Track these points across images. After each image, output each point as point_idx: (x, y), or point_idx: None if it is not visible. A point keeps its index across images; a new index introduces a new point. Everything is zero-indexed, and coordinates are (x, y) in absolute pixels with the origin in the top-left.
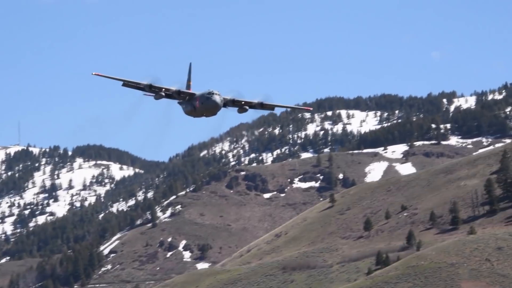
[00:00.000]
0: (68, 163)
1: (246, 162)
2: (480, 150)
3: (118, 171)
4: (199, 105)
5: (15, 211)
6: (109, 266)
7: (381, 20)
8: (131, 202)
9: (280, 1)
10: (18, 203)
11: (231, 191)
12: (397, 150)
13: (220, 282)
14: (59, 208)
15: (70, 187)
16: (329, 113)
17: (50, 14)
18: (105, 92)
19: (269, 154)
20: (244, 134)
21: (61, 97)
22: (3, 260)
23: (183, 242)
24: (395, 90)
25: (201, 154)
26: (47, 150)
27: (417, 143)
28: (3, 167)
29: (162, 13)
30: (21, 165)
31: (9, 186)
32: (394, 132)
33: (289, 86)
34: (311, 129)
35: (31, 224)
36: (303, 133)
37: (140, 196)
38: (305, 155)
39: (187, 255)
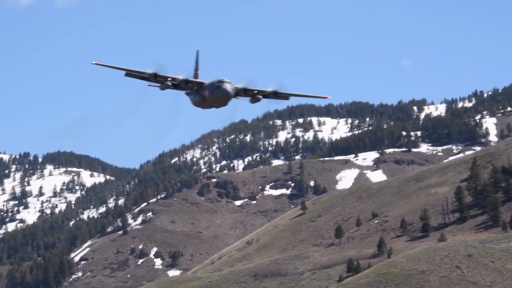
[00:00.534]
0: (38, 170)
1: (217, 169)
2: (450, 158)
3: (89, 178)
4: (208, 94)
5: None
6: (79, 274)
7: (352, 27)
8: (102, 209)
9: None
10: None
11: (202, 198)
12: (368, 157)
13: None
14: (29, 215)
15: (41, 194)
16: (300, 120)
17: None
18: (84, 96)
19: (240, 161)
20: (215, 141)
21: (32, 102)
22: None
23: (154, 249)
24: (365, 97)
25: (172, 161)
26: (17, 156)
27: (388, 151)
28: None
29: None
30: None
31: None
32: (365, 140)
33: None
34: (282, 136)
35: (1, 231)
36: (274, 140)
37: (111, 203)
38: (276, 162)
39: (158, 262)
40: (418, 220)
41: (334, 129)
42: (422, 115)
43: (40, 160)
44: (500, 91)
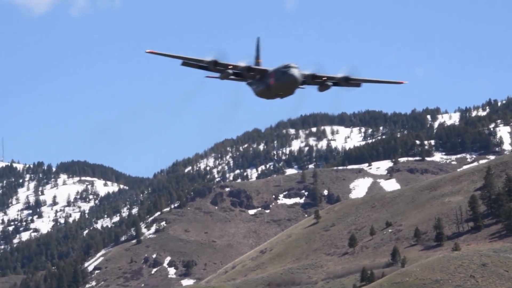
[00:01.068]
0: (52, 179)
1: (231, 178)
2: (464, 167)
3: (103, 187)
4: (274, 82)
5: None
6: (93, 283)
7: (366, 36)
8: (116, 218)
9: None
10: (2, 220)
11: (216, 208)
12: (381, 166)
13: None
14: (43, 225)
15: (54, 203)
16: (314, 129)
17: (40, 26)
18: (95, 106)
19: (254, 170)
20: (228, 150)
21: (46, 113)
22: None
23: (168, 259)
24: (379, 106)
25: (186, 170)
26: (31, 166)
27: (402, 159)
28: None
29: None
30: (4, 181)
31: None
32: (379, 149)
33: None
34: (295, 145)
35: (15, 241)
36: (288, 149)
37: (125, 212)
38: (289, 171)
39: (172, 271)
40: (432, 229)
41: (348, 138)
42: (436, 124)
43: (54, 169)
44: None
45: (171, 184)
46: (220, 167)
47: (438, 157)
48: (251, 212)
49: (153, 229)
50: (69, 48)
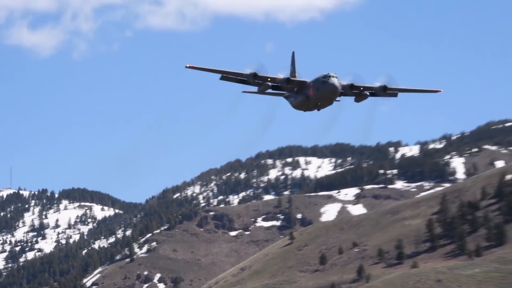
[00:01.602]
0: (55, 205)
1: (215, 203)
2: (423, 193)
3: (100, 212)
4: (313, 92)
5: (7, 247)
6: None
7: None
8: (111, 239)
9: None
10: (10, 241)
11: (201, 229)
12: (349, 193)
13: None
14: (47, 245)
15: (57, 226)
16: (289, 159)
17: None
18: (98, 139)
19: (236, 196)
20: (213, 178)
21: (51, 141)
22: None
23: (158, 275)
24: (347, 139)
25: (175, 196)
26: (36, 193)
27: (367, 187)
28: None
29: None
30: (12, 207)
31: (1, 225)
32: (347, 177)
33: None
34: (273, 174)
35: (21, 260)
36: (266, 177)
37: (120, 234)
38: (267, 197)
39: (161, 287)
40: (394, 249)
41: (319, 167)
42: (398, 155)
43: (56, 195)
44: (466, 134)
45: (161, 209)
46: (205, 194)
47: (399, 184)
48: (233, 233)
49: (145, 249)
50: (71, 87)
